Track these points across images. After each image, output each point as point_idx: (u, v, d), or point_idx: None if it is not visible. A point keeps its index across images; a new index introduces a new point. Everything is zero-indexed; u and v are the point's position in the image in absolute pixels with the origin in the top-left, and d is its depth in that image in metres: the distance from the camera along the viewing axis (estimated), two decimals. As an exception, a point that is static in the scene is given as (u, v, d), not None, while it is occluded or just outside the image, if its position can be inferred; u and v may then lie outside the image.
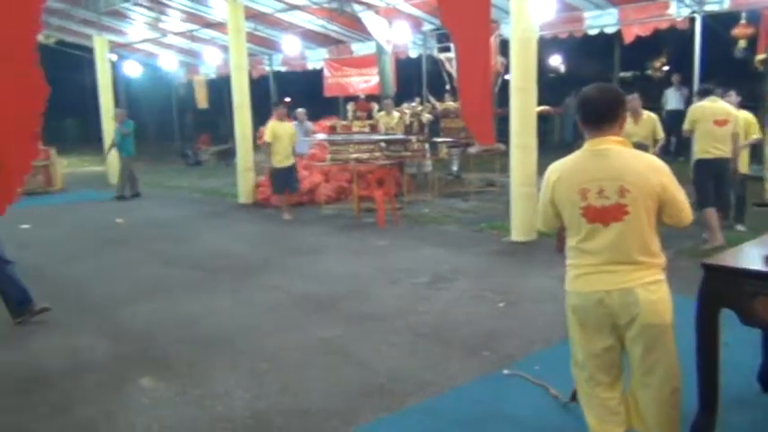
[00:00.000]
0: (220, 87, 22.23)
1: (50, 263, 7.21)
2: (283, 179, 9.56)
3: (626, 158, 2.48)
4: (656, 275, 2.49)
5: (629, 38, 11.41)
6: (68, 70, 20.74)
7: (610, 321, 2.52)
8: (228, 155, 17.91)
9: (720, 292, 2.71)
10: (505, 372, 3.90)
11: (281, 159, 9.39)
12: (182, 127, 24.50)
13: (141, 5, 14.50)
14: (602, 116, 2.51)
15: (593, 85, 2.61)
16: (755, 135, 7.29)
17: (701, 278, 2.74)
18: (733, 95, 7.15)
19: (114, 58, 17.76)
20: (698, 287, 2.74)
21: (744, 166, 7.36)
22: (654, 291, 2.46)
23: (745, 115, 7.23)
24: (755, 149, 8.31)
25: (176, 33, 16.54)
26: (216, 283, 6.23)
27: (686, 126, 6.91)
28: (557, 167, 2.62)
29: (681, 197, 2.49)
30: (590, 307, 2.53)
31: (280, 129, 9.41)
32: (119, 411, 3.56)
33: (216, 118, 26.77)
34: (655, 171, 2.45)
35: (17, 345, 4.68)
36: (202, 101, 20.23)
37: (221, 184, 13.71)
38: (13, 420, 3.48)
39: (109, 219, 10.19)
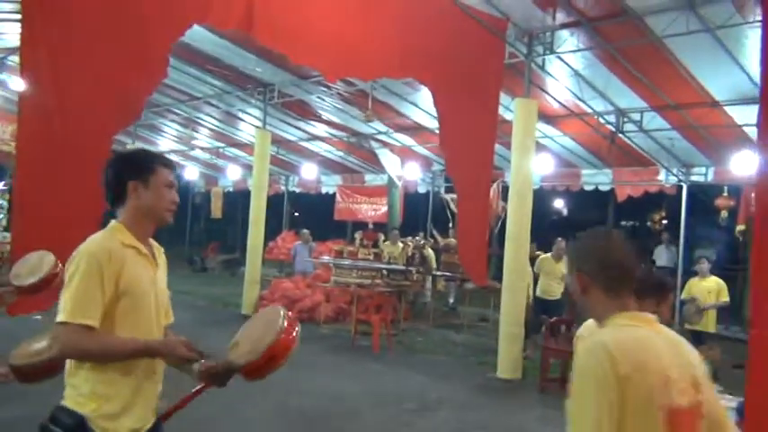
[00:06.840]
0: (235, 199, 23.29)
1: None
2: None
3: None
4: None
5: (621, 197, 12.32)
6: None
7: None
8: (234, 264, 18.51)
9: None
10: None
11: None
12: (191, 233, 25.32)
13: (176, 122, 15.71)
14: None
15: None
16: (724, 299, 7.91)
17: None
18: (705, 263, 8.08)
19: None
20: None
21: (711, 325, 7.98)
22: None
23: (717, 280, 8.05)
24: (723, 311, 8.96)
25: (203, 149, 17.70)
26: (208, 392, 6.56)
27: None
28: None
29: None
30: None
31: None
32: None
33: (226, 228, 27.69)
34: None
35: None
36: (217, 211, 21.12)
37: (225, 293, 14.13)
38: None
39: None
